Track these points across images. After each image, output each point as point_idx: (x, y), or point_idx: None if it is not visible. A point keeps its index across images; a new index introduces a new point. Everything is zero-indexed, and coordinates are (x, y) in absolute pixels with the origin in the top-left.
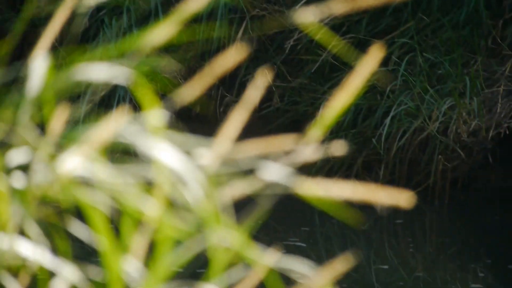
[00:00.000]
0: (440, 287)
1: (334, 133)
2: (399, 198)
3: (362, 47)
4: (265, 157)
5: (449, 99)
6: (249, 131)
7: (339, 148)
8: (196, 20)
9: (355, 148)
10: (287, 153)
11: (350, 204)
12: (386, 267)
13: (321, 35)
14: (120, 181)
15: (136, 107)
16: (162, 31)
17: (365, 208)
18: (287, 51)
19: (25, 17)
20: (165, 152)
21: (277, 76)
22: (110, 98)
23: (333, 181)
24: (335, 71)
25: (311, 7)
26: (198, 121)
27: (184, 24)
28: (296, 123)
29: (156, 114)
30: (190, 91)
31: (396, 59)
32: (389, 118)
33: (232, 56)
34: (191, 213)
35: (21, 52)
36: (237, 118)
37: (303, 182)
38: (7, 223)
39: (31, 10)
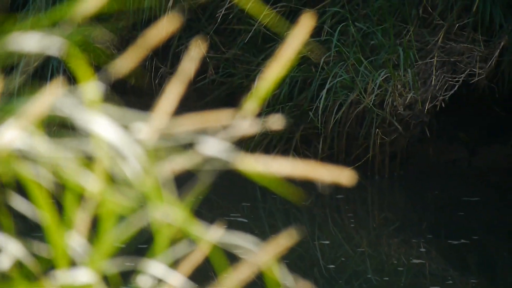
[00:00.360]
0: (384, 262)
1: (270, 106)
2: (340, 175)
3: (293, 16)
4: (203, 131)
5: (384, 71)
6: (185, 104)
7: (276, 122)
8: None
9: (292, 121)
10: (224, 127)
11: (291, 181)
12: (330, 242)
13: (252, 4)
14: (59, 155)
15: (70, 77)
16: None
17: (307, 184)
18: (219, 20)
19: None
20: (103, 126)
21: (211, 47)
22: (43, 69)
23: (273, 157)
24: (268, 42)
25: None
26: (133, 93)
27: None
28: (232, 96)
29: (91, 87)
30: (124, 63)
31: (329, 29)
32: (325, 90)
33: (164, 26)
34: (132, 188)
35: None
36: (173, 92)
37: (243, 157)
38: None
39: None
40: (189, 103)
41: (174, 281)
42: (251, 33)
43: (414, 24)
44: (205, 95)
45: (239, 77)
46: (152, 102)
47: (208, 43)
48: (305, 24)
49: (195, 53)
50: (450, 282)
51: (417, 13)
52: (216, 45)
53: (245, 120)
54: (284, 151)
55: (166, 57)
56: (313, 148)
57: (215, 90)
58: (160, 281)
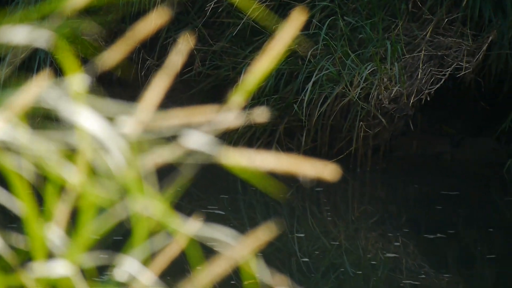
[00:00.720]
0: (360, 256)
1: (255, 98)
2: (323, 170)
3: (282, 10)
4: (188, 125)
5: (370, 64)
6: (171, 96)
7: (261, 114)
8: None
9: (277, 114)
10: (209, 121)
11: (273, 175)
12: (308, 235)
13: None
14: (42, 146)
15: (57, 70)
16: None
17: (288, 177)
18: (208, 13)
19: None
20: (87, 118)
21: (199, 40)
22: (30, 61)
23: (256, 151)
24: (257, 35)
25: None
26: (119, 85)
27: None
28: (218, 88)
29: (77, 79)
30: (112, 55)
31: (317, 23)
32: (311, 83)
33: (153, 20)
34: (113, 180)
35: None
36: (159, 84)
37: (226, 151)
38: None
39: None
40: (175, 95)
41: (147, 279)
42: (239, 26)
43: (403, 18)
44: (191, 87)
45: (226, 69)
46: (138, 94)
47: (196, 36)
48: (296, 18)
49: (183, 46)
50: (424, 276)
51: (407, 8)
52: (204, 38)
53: (229, 113)
54: (268, 144)
55: (153, 49)
56: (296, 140)
57: (201, 82)
58: (135, 276)
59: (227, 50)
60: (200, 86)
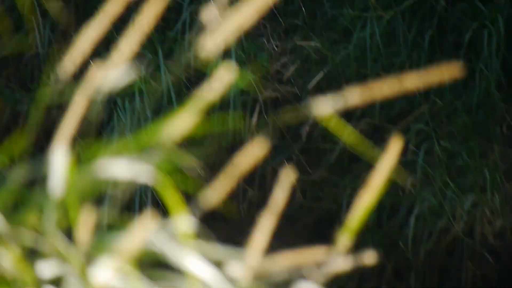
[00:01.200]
0: None
1: (359, 235)
2: None
3: (376, 133)
4: (297, 269)
5: (470, 195)
6: (275, 234)
7: (369, 257)
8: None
9: (382, 252)
10: (318, 264)
11: None
12: None
13: (336, 124)
14: None
15: (159, 205)
16: (181, 123)
17: None
18: (303, 138)
19: (41, 104)
20: (196, 264)
21: (297, 167)
22: (131, 197)
23: None
24: (354, 161)
25: (325, 96)
26: (221, 219)
27: (202, 115)
28: (321, 223)
29: (183, 220)
30: (215, 191)
31: (414, 148)
32: (413, 217)
33: (252, 150)
34: None
35: (36, 140)
36: (265, 225)
37: None
38: None
39: (46, 94)
40: (279, 232)
41: None
42: (336, 153)
43: (499, 142)
44: (293, 221)
45: (328, 201)
46: (241, 228)
47: (294, 164)
48: (394, 147)
49: (285, 180)
50: None
51: (501, 131)
52: (302, 165)
53: (337, 256)
54: (376, 285)
55: (252, 178)
56: (405, 282)
57: (304, 215)
58: None
59: (326, 180)
60: (304, 220)
